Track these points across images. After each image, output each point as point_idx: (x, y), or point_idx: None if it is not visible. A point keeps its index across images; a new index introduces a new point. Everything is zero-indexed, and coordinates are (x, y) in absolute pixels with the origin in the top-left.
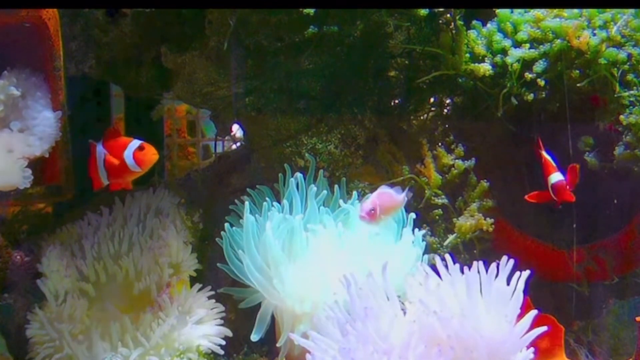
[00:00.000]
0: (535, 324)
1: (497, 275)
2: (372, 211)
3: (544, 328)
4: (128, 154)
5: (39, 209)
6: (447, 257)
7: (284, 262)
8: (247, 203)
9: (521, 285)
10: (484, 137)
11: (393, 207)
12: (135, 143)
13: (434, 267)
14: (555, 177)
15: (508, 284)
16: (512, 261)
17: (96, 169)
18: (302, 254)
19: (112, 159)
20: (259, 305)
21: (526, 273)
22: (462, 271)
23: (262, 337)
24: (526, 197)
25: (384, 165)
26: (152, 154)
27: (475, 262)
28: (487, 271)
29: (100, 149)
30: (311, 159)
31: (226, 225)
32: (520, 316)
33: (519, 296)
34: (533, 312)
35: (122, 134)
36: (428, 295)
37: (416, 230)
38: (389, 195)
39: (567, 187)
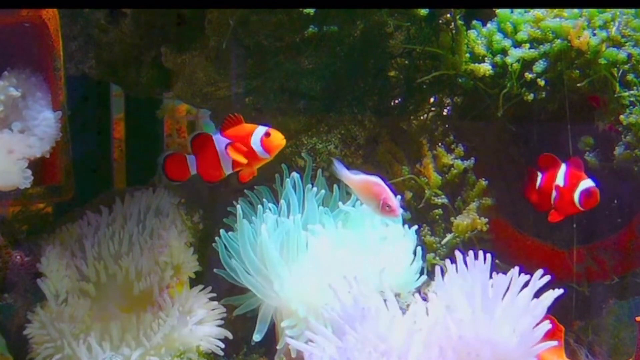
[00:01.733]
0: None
1: (526, 286)
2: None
3: (554, 343)
4: (256, 141)
5: (39, 209)
6: (488, 256)
7: (282, 264)
8: (240, 207)
9: (548, 302)
10: (484, 137)
11: None
12: (261, 130)
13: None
14: (587, 182)
15: (537, 296)
16: (548, 277)
17: (218, 159)
18: (300, 255)
19: (238, 147)
20: (257, 309)
21: (558, 292)
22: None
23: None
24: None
25: (384, 165)
26: (280, 140)
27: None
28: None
29: (219, 139)
30: (308, 158)
31: (221, 230)
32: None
33: (543, 312)
34: (546, 325)
35: (243, 121)
36: (445, 294)
37: (413, 228)
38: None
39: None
